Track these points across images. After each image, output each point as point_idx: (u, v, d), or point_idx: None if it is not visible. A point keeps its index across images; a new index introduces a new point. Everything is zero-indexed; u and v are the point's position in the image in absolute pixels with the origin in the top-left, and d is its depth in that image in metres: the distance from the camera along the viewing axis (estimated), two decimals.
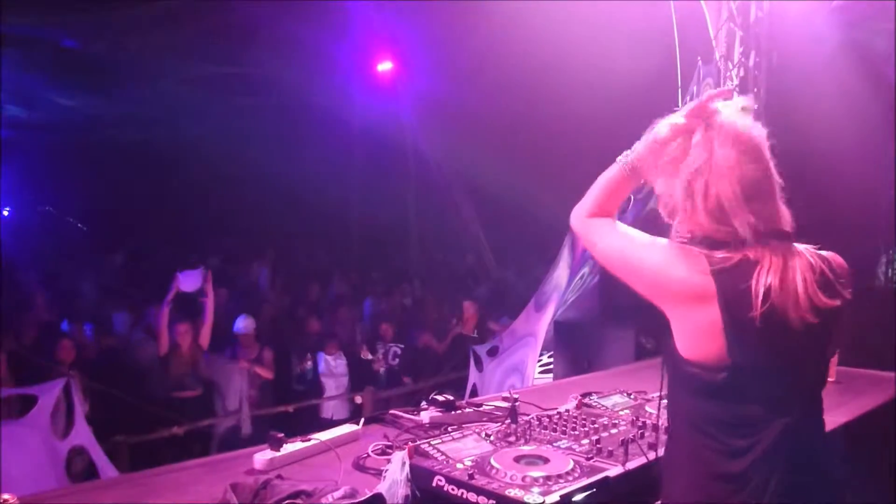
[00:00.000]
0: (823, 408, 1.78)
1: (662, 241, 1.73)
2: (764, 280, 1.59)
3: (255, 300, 9.39)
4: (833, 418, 2.44)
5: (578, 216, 1.94)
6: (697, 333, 1.63)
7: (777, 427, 1.62)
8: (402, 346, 7.94)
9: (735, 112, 1.77)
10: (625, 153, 1.92)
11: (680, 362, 1.67)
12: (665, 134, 1.81)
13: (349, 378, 7.36)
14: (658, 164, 1.81)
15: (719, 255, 1.63)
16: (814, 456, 1.70)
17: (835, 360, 1.89)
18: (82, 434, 4.88)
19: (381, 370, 7.76)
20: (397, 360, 7.83)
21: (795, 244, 1.69)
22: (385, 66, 12.18)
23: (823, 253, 1.74)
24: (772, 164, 1.71)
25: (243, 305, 8.42)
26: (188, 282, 6.15)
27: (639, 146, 1.89)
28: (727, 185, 1.64)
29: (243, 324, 6.80)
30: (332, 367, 7.22)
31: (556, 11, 8.27)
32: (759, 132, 1.74)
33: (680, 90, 6.03)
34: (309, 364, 7.33)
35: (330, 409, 7.09)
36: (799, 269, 1.63)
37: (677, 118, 1.81)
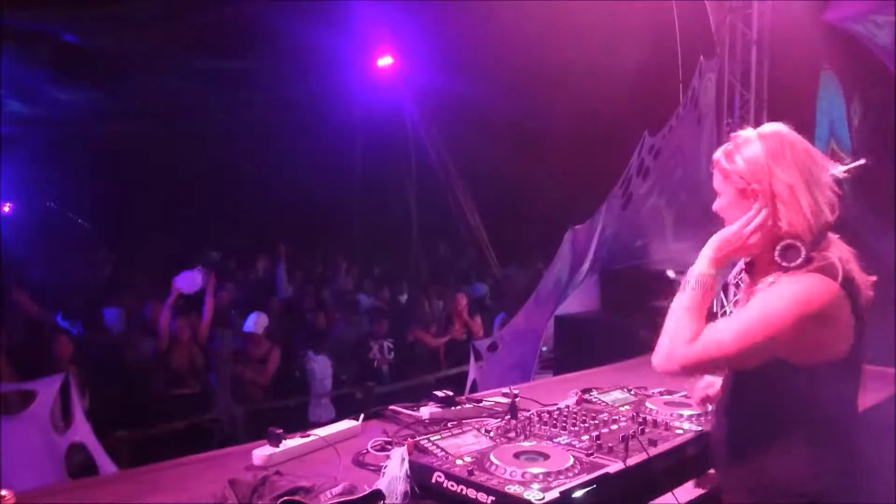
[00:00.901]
0: None
1: (778, 291, 1.76)
2: (855, 271, 1.80)
3: (259, 296, 9.40)
4: None
5: (682, 354, 1.78)
6: (834, 340, 1.78)
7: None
8: (394, 341, 7.94)
9: (756, 140, 1.87)
10: (689, 277, 1.90)
11: (793, 368, 1.77)
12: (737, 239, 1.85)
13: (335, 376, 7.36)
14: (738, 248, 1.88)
15: (817, 265, 1.75)
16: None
17: None
18: (81, 430, 4.87)
19: (378, 366, 7.76)
20: (392, 354, 7.84)
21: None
22: (385, 61, 12.13)
23: None
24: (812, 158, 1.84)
25: (248, 302, 8.43)
26: (187, 283, 6.11)
27: (702, 265, 1.88)
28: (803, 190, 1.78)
29: (255, 321, 6.71)
30: (322, 366, 7.20)
31: (557, 6, 8.24)
32: (787, 133, 1.88)
33: (682, 85, 6.01)
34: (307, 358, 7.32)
35: (319, 410, 7.06)
36: (850, 252, 1.84)
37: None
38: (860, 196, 6.10)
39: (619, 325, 5.34)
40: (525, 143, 11.88)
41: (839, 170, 1.86)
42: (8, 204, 15.01)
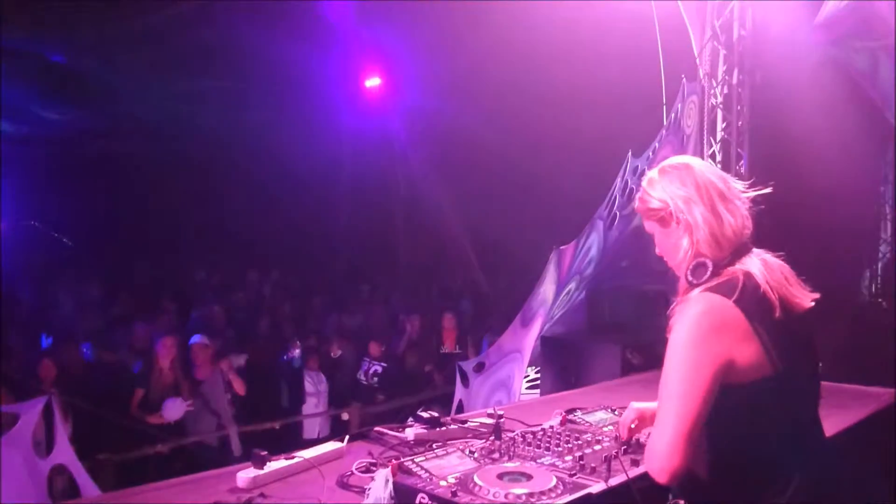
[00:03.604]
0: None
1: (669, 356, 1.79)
2: (764, 281, 1.79)
3: (247, 314, 9.38)
4: None
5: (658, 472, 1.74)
6: (747, 355, 1.75)
7: (810, 417, 1.89)
8: (384, 363, 7.93)
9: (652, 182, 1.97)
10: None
11: (727, 387, 1.74)
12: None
13: (329, 395, 7.32)
14: None
15: (715, 283, 1.79)
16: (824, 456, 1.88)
17: None
18: (64, 452, 4.82)
19: (365, 385, 7.74)
20: (376, 378, 7.83)
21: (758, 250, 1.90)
22: (373, 82, 12.22)
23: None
24: (712, 180, 1.90)
25: (237, 320, 8.41)
26: (172, 411, 6.15)
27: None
28: (703, 215, 1.86)
29: (199, 339, 6.63)
30: (316, 384, 7.17)
31: (544, 28, 8.35)
32: (689, 161, 1.97)
33: (665, 107, 6.09)
34: (296, 353, 7.26)
35: (315, 427, 7.02)
36: (776, 266, 1.87)
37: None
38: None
39: (605, 345, 5.36)
40: (513, 164, 11.96)
41: (745, 194, 1.92)
42: None
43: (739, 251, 1.84)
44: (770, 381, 1.73)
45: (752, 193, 1.91)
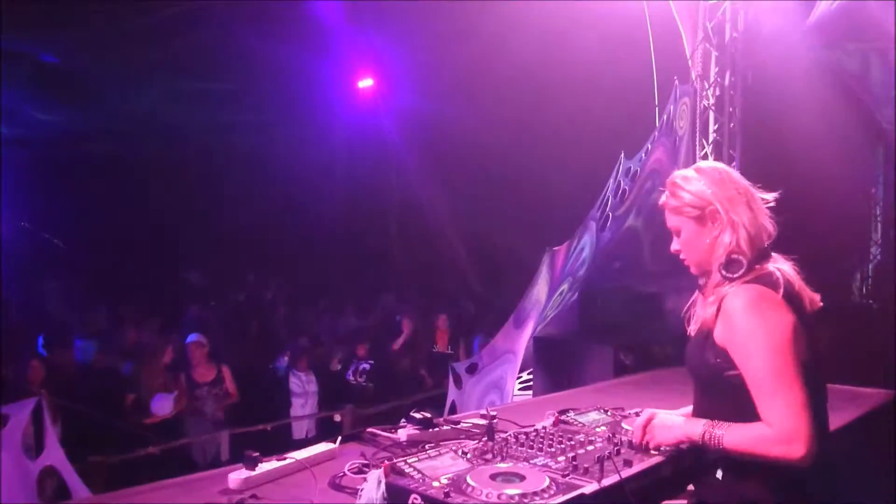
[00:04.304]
0: None
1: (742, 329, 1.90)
2: (791, 279, 1.96)
3: (240, 317, 9.35)
4: None
5: (784, 450, 1.84)
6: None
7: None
8: (372, 362, 7.91)
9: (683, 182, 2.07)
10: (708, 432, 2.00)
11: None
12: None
13: (319, 395, 7.30)
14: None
15: (752, 277, 1.93)
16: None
17: None
18: (54, 454, 4.79)
19: (356, 387, 7.73)
20: (364, 376, 7.81)
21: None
22: (366, 83, 12.22)
23: None
24: (746, 186, 2.05)
25: (231, 322, 8.39)
26: (161, 407, 6.14)
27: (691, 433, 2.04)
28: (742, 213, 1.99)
29: (195, 338, 6.62)
30: (304, 384, 7.15)
31: (537, 30, 8.37)
32: (722, 166, 2.13)
33: (657, 109, 6.11)
34: (284, 360, 7.24)
35: (304, 428, 7.00)
36: (791, 268, 2.00)
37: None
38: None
39: (598, 346, 5.36)
40: (505, 165, 11.97)
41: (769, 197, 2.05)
42: None
43: (764, 253, 1.98)
44: (809, 366, 1.87)
45: (771, 202, 2.04)
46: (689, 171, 2.07)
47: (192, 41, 8.82)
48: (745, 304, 1.88)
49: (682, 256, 2.12)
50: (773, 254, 2.01)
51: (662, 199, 2.11)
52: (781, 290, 1.89)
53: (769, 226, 2.01)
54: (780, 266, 1.96)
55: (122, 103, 10.79)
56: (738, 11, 6.09)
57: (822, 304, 2.00)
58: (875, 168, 7.73)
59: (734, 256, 1.94)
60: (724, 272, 1.95)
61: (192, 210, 14.25)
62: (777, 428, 1.81)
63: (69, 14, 7.82)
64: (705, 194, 2.00)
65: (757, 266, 1.95)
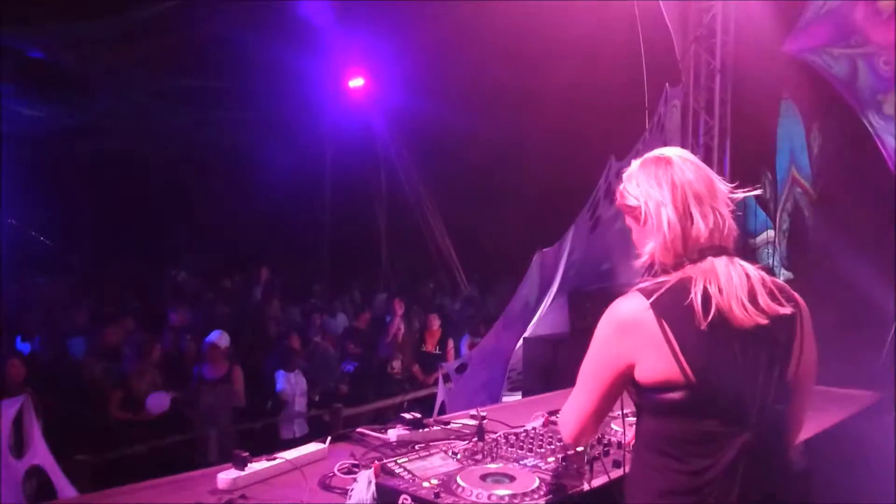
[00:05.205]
0: (788, 426, 1.80)
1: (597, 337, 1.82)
2: (700, 290, 1.67)
3: (231, 316, 9.31)
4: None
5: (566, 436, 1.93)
6: (653, 358, 1.68)
7: (737, 444, 1.65)
8: (357, 364, 7.91)
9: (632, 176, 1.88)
10: None
11: (638, 389, 1.74)
12: None
13: (308, 396, 7.29)
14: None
15: (652, 283, 1.73)
16: (773, 474, 1.72)
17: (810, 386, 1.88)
18: (40, 453, 4.75)
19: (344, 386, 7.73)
20: (347, 378, 7.83)
21: (736, 258, 1.77)
22: (357, 83, 12.21)
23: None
24: (690, 180, 1.79)
25: (221, 321, 8.34)
26: (157, 404, 6.14)
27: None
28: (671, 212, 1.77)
29: (218, 335, 6.67)
30: (293, 385, 7.12)
31: (528, 32, 8.39)
32: (669, 155, 1.85)
33: (648, 111, 6.14)
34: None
35: (292, 428, 6.99)
36: (739, 275, 1.71)
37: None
38: (831, 220, 6.28)
39: (587, 346, 5.37)
40: (495, 166, 11.99)
41: (733, 195, 1.83)
42: None
43: (698, 255, 1.73)
44: (679, 388, 1.65)
45: (739, 195, 1.83)
46: (633, 166, 1.89)
47: (181, 39, 8.79)
48: (605, 313, 1.80)
49: None
50: (726, 257, 1.74)
51: (616, 196, 1.95)
52: (653, 298, 1.69)
53: (706, 226, 1.73)
54: (698, 272, 1.71)
55: (110, 101, 10.72)
56: (728, 15, 6.14)
57: (764, 321, 1.68)
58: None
59: (651, 260, 1.80)
60: (641, 274, 1.82)
61: (179, 208, 14.19)
62: (562, 418, 1.90)
63: (56, 11, 7.77)
64: (638, 194, 1.82)
65: (676, 270, 1.74)
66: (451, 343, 8.44)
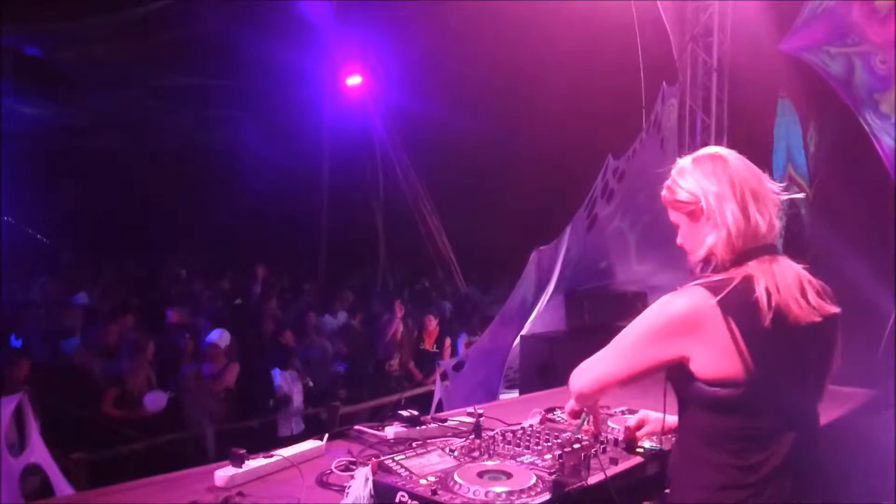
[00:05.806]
0: (819, 423, 1.89)
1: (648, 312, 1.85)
2: (763, 288, 1.71)
3: (227, 314, 9.29)
4: None
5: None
6: (715, 355, 1.71)
7: (788, 440, 1.72)
8: (347, 364, 7.92)
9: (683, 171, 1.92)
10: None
11: (694, 382, 1.75)
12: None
13: (305, 393, 7.31)
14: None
15: (717, 280, 1.75)
16: (816, 469, 1.79)
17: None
18: (37, 451, 4.74)
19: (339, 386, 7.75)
20: (339, 378, 7.84)
21: (784, 257, 1.82)
22: (354, 80, 12.19)
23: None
24: (745, 177, 1.84)
25: (215, 319, 8.34)
26: (154, 403, 6.18)
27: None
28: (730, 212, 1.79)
29: (219, 334, 6.76)
30: (290, 383, 7.13)
31: (526, 32, 8.39)
32: (723, 152, 1.91)
33: (645, 110, 6.15)
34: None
35: (290, 425, 7.00)
36: (791, 275, 1.78)
37: None
38: (825, 222, 6.30)
39: (584, 344, 5.38)
40: (492, 165, 12.00)
41: (781, 196, 1.88)
42: None
43: (756, 252, 1.77)
44: (739, 385, 1.69)
45: (786, 196, 1.88)
46: (686, 162, 1.92)
47: (179, 37, 8.78)
48: (664, 301, 1.79)
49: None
50: (777, 256, 1.79)
51: (663, 192, 1.97)
52: (721, 296, 1.70)
53: (764, 224, 1.77)
54: (758, 271, 1.74)
55: (108, 97, 10.71)
56: (725, 14, 6.15)
57: (819, 319, 1.74)
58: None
59: (710, 257, 1.81)
60: (697, 271, 1.84)
61: (175, 206, 14.17)
62: (580, 372, 2.02)
63: (52, 8, 7.76)
64: (695, 189, 1.83)
65: (734, 268, 1.76)
66: (448, 341, 8.45)
